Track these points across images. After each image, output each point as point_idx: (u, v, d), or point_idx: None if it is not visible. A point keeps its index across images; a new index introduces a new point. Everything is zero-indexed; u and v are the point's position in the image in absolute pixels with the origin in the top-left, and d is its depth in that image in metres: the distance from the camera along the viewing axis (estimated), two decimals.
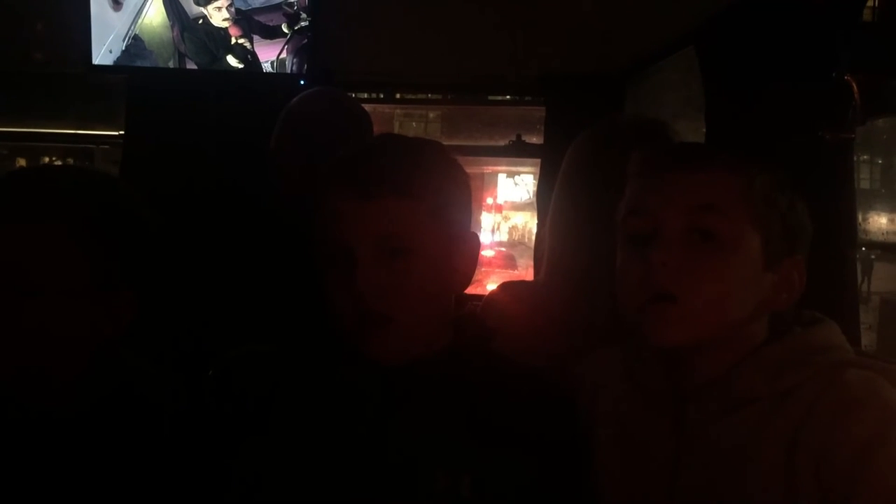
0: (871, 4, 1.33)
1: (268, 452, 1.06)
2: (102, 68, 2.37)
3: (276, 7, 2.39)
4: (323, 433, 1.06)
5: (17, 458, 1.00)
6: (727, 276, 0.98)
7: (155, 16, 2.36)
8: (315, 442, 1.05)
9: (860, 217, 1.43)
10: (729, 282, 0.98)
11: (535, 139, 2.73)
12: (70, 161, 3.49)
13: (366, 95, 2.78)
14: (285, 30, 2.39)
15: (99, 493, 1.02)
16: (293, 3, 2.38)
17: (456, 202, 1.09)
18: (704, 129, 1.76)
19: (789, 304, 1.03)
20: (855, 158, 1.39)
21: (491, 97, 3.09)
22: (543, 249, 1.55)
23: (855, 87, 1.24)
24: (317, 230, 1.06)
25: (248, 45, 2.39)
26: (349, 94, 2.10)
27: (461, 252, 1.09)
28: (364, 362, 1.06)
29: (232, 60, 2.40)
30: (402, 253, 1.03)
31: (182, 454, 1.07)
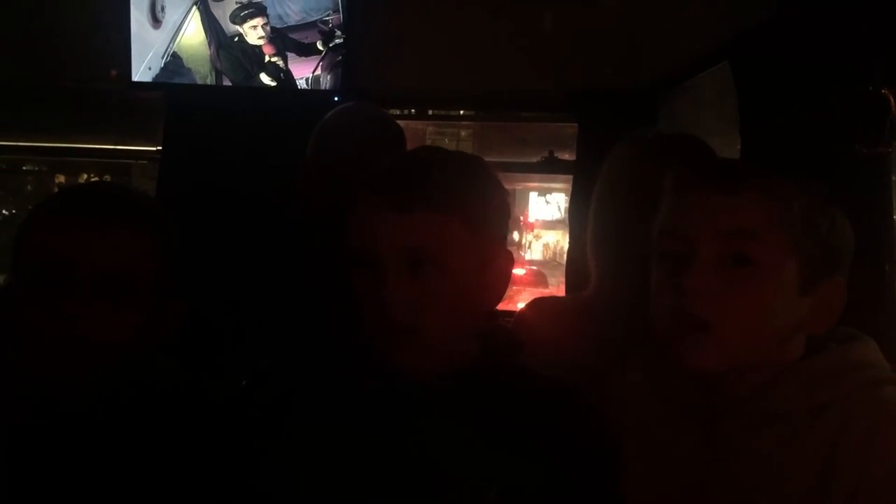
0: None
1: (295, 463, 1.06)
2: (142, 85, 2.41)
3: (312, 25, 2.42)
4: (349, 445, 1.05)
5: (43, 453, 1.02)
6: (762, 304, 0.97)
7: (193, 34, 2.40)
8: (341, 454, 1.05)
9: None
10: (764, 309, 0.97)
11: (568, 156, 2.73)
12: (108, 177, 3.55)
13: (398, 112, 2.80)
14: (320, 47, 2.42)
15: (120, 493, 1.04)
16: (328, 20, 2.41)
17: (491, 219, 1.08)
18: (739, 146, 1.75)
19: (827, 326, 1.02)
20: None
21: (523, 113, 3.09)
22: (576, 265, 1.54)
23: (892, 100, 1.23)
24: (348, 238, 1.06)
25: (281, 63, 2.43)
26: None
27: (493, 269, 1.08)
28: (390, 375, 1.05)
29: (265, 78, 2.44)
30: (431, 266, 1.02)
31: (210, 461, 1.08)
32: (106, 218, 1.02)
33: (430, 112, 3.04)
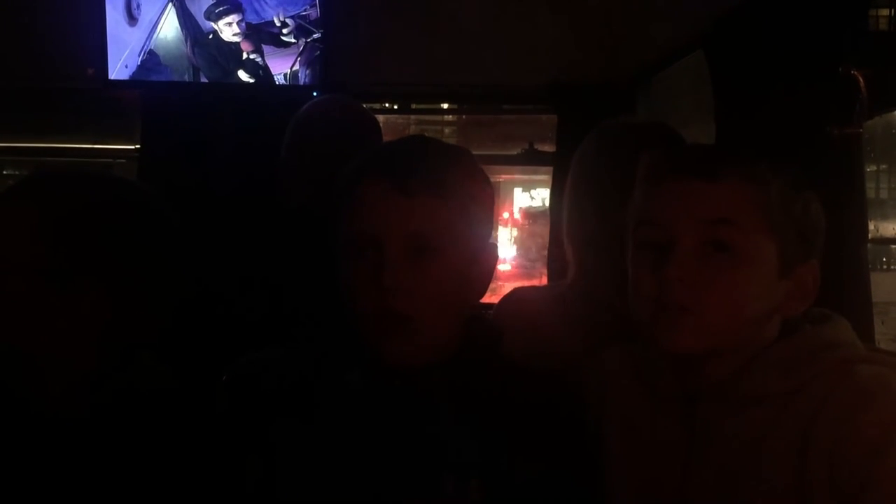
0: (888, 14, 1.33)
1: (275, 458, 1.06)
2: (119, 83, 2.40)
3: (289, 19, 2.41)
4: (332, 437, 1.06)
5: (24, 459, 1.00)
6: (742, 289, 0.98)
7: (170, 31, 2.38)
8: (324, 446, 1.05)
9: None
10: (744, 293, 0.98)
11: (548, 148, 2.74)
12: None
13: (380, 106, 2.79)
14: (294, 39, 2.40)
15: (103, 495, 1.02)
16: (305, 15, 2.40)
17: (481, 210, 1.09)
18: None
19: (803, 308, 1.02)
20: (870, 169, 1.38)
21: (505, 106, 3.10)
22: (556, 256, 1.55)
23: (861, 81, 1.23)
24: (343, 222, 1.05)
25: (259, 60, 2.41)
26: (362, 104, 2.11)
27: (480, 261, 1.09)
28: (374, 365, 1.06)
29: (243, 75, 2.42)
30: (430, 252, 1.02)
31: (191, 459, 1.08)
32: None
33: (413, 106, 3.04)
